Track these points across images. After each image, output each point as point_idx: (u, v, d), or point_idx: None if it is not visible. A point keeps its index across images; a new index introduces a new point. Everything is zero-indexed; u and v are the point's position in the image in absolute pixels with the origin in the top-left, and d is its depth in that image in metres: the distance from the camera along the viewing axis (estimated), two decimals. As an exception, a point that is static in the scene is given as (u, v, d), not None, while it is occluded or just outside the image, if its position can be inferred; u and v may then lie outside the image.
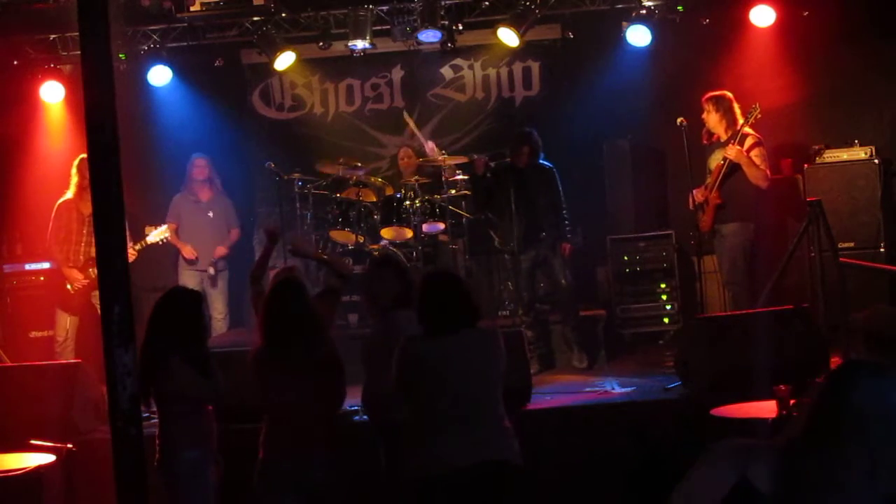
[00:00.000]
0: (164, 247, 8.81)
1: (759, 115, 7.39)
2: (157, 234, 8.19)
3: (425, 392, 4.34)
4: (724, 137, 7.57)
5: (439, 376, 4.32)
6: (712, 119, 7.58)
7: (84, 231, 8.03)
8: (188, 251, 8.87)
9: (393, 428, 5.03)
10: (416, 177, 9.07)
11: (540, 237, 8.02)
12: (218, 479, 4.94)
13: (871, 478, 2.38)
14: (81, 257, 8.06)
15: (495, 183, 8.18)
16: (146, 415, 5.40)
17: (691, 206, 7.60)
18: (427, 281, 4.57)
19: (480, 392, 4.34)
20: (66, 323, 8.06)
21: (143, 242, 8.06)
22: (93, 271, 8.00)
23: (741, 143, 7.43)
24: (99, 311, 7.89)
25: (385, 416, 5.08)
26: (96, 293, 8.01)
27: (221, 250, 9.01)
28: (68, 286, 8.04)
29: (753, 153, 7.44)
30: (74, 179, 8.04)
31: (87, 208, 7.96)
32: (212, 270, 8.94)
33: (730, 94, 7.58)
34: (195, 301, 5.09)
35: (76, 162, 8.05)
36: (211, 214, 8.98)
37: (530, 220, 8.01)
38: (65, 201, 8.06)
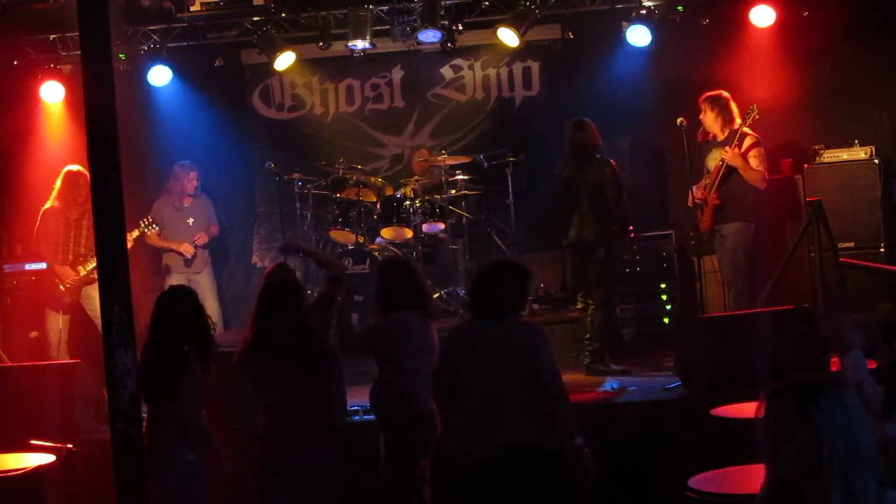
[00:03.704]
0: (159, 248, 8.81)
1: (758, 116, 7.39)
2: (144, 226, 8.24)
3: (457, 379, 4.46)
4: (721, 137, 7.57)
5: (466, 365, 4.45)
6: (709, 118, 7.58)
7: (71, 233, 8.11)
8: (186, 247, 8.78)
9: (396, 426, 5.07)
10: (417, 177, 9.08)
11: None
12: (218, 473, 4.94)
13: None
14: (70, 256, 8.11)
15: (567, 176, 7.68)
16: (146, 414, 5.40)
17: (690, 203, 7.60)
18: (480, 269, 4.79)
19: (504, 380, 4.41)
20: (58, 323, 8.08)
21: (131, 234, 8.03)
22: (82, 269, 8.03)
23: (740, 143, 7.43)
24: (87, 310, 7.98)
25: (390, 413, 5.12)
26: (86, 291, 8.04)
27: (202, 238, 8.90)
28: (60, 285, 8.06)
29: (752, 153, 7.44)
30: (57, 189, 8.11)
31: (73, 213, 8.07)
32: (199, 242, 8.88)
33: (726, 94, 7.58)
34: (196, 299, 5.09)
35: (62, 173, 8.13)
36: (191, 221, 8.91)
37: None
38: (50, 208, 8.15)
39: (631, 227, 7.85)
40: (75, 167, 8.09)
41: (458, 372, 4.47)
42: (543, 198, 8.41)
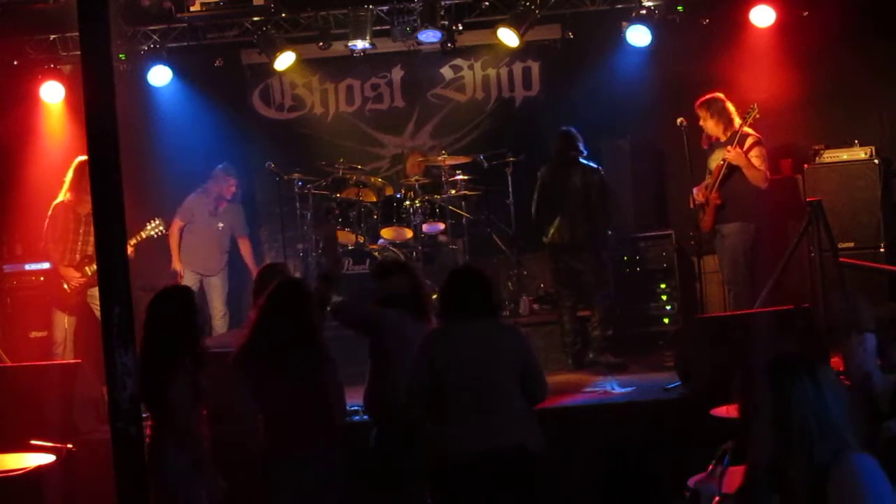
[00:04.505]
0: (162, 247, 8.83)
1: (758, 115, 7.39)
2: (151, 228, 8.19)
3: (444, 382, 4.45)
4: (723, 138, 7.57)
5: (455, 366, 4.44)
6: (709, 124, 7.59)
7: (80, 230, 8.04)
8: (177, 264, 8.91)
9: (390, 425, 5.07)
10: (416, 177, 9.08)
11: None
12: (219, 491, 4.93)
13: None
14: (77, 255, 8.06)
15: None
16: (146, 415, 5.39)
17: (692, 205, 7.60)
18: (450, 274, 4.80)
19: (494, 381, 4.43)
20: (63, 323, 8.07)
21: (138, 237, 8.04)
22: (89, 269, 8.01)
23: (741, 143, 7.43)
24: (94, 310, 7.99)
25: (385, 412, 5.12)
26: (92, 291, 8.02)
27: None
28: (65, 285, 8.05)
29: (753, 153, 7.44)
30: (69, 181, 8.04)
31: (84, 208, 7.94)
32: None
33: (720, 95, 7.58)
34: (186, 299, 5.07)
35: (74, 164, 8.05)
36: (220, 226, 9.03)
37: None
38: (61, 202, 8.06)
39: (609, 232, 8.11)
40: (85, 157, 8.01)
41: (443, 373, 4.45)
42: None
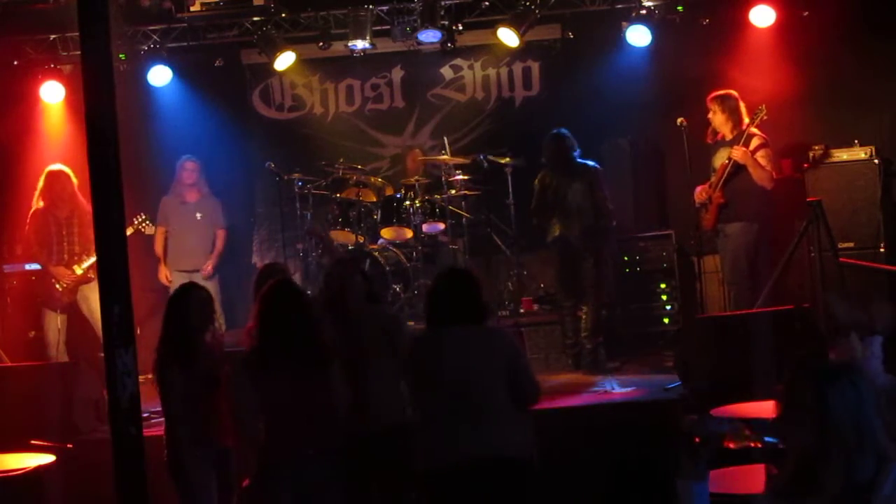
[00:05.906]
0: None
1: (766, 117, 7.39)
2: (138, 223, 8.20)
3: (429, 387, 4.43)
4: (729, 137, 7.57)
5: (442, 372, 4.41)
6: (718, 119, 7.57)
7: (63, 232, 8.12)
8: (164, 275, 8.82)
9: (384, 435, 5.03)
10: (417, 177, 9.08)
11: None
12: (234, 477, 4.97)
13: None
14: (66, 255, 8.12)
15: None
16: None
17: (697, 202, 7.61)
18: (436, 277, 4.75)
19: (483, 387, 4.39)
20: (56, 322, 8.10)
21: (129, 228, 8.02)
22: (78, 267, 8.04)
23: (747, 144, 7.42)
24: (83, 309, 8.01)
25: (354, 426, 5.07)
26: (82, 291, 8.06)
27: (208, 269, 8.80)
28: (57, 285, 8.06)
29: (759, 154, 7.43)
30: (39, 191, 8.14)
31: (63, 212, 8.10)
32: (204, 274, 8.85)
33: (735, 93, 7.58)
34: (180, 298, 5.12)
35: (44, 174, 8.15)
36: (199, 216, 8.91)
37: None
38: (37, 209, 8.16)
39: (614, 223, 7.98)
40: (56, 166, 8.18)
41: (429, 379, 4.43)
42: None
